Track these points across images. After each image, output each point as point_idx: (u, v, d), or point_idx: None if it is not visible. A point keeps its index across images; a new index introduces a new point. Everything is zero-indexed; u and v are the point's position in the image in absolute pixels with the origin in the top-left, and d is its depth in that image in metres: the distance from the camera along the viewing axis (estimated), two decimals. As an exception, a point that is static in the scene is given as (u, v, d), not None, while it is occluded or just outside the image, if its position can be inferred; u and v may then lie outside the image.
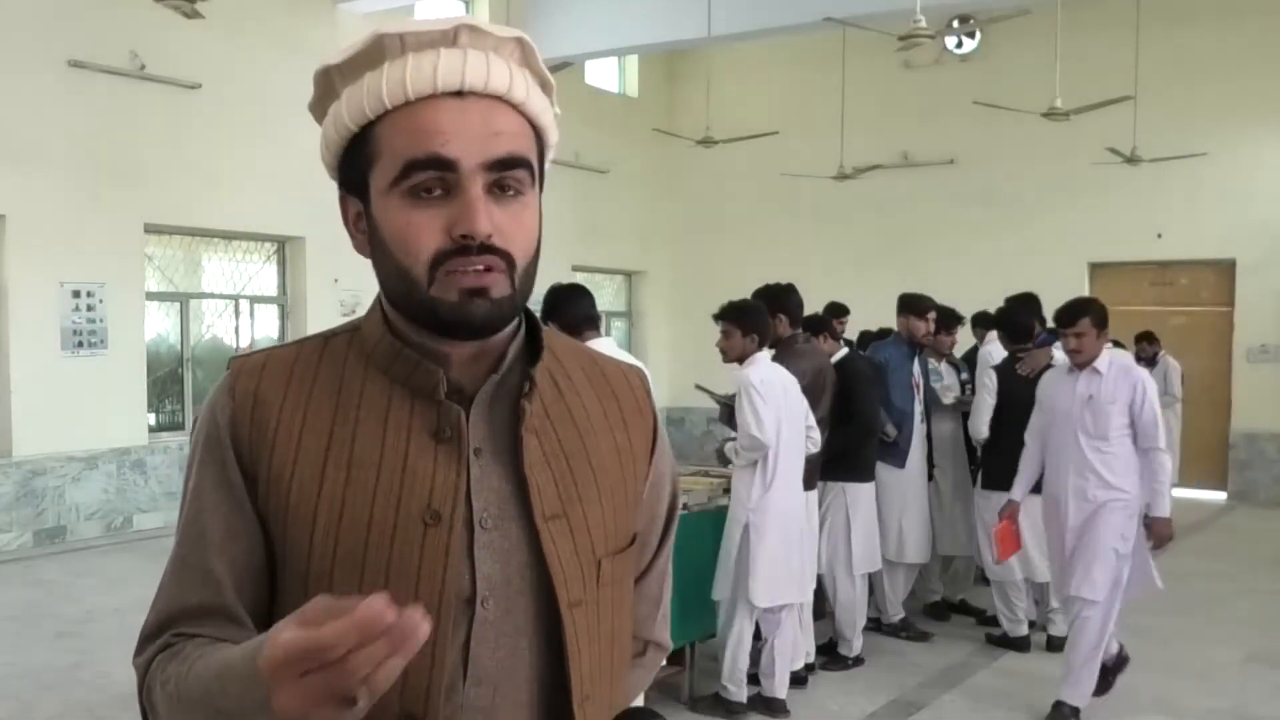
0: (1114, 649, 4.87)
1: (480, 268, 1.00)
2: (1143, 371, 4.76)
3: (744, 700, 4.72)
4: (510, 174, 1.02)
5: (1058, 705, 4.69)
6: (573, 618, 1.06)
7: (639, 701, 1.75)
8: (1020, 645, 5.77)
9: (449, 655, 1.03)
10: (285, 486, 1.05)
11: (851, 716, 4.85)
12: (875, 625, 5.93)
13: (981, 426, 5.76)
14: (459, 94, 1.01)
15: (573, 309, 3.99)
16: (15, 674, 5.26)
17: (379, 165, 1.03)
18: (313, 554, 1.04)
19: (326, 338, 1.14)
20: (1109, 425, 4.57)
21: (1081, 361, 4.64)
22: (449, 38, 1.02)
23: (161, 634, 1.07)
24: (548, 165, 1.11)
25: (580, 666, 1.07)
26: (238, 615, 1.06)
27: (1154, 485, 4.54)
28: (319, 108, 1.09)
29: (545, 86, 1.09)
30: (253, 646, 0.86)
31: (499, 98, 1.03)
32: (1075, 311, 4.66)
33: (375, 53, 1.02)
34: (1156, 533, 4.55)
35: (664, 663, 1.38)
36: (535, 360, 1.11)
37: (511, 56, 1.05)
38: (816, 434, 4.81)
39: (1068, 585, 4.69)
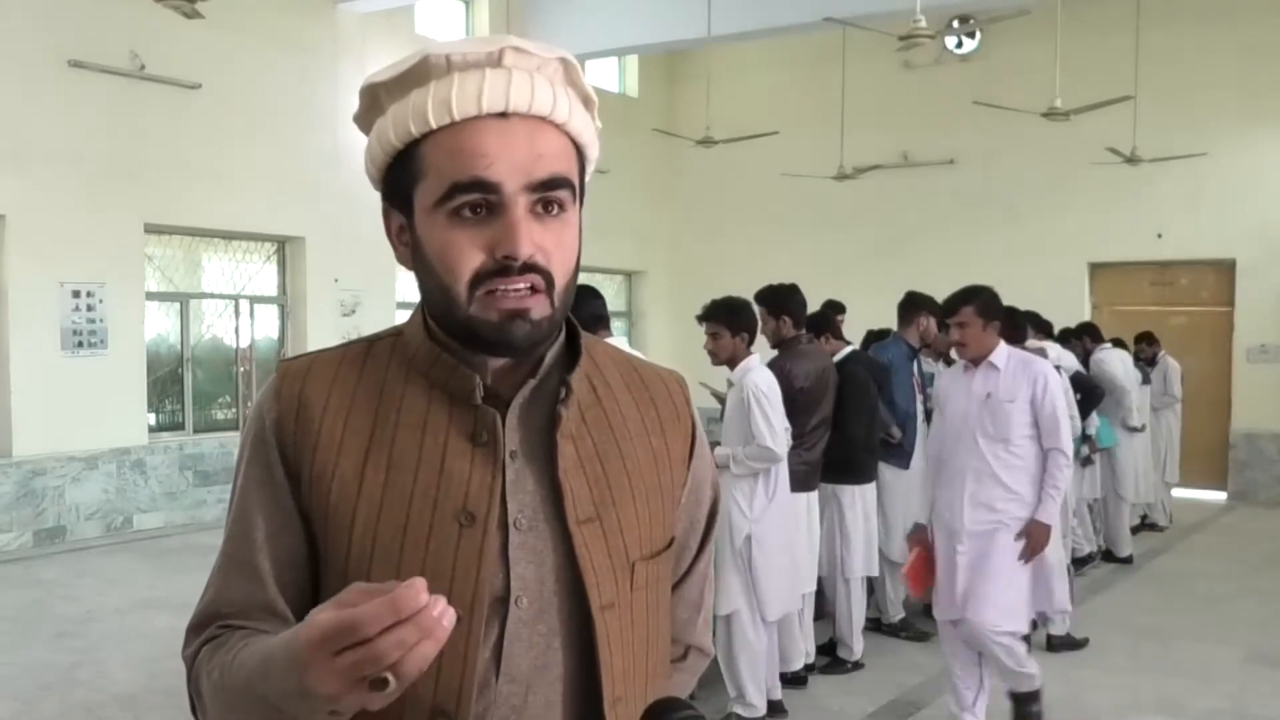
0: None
1: (521, 288, 1.03)
2: (1045, 364, 4.37)
3: (764, 711, 4.57)
4: (552, 194, 1.05)
5: (1014, 698, 4.44)
6: (604, 620, 1.08)
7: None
8: (1021, 645, 5.76)
9: (482, 653, 1.05)
10: (327, 486, 1.08)
11: (851, 716, 4.85)
12: (875, 625, 5.93)
13: None
14: (503, 115, 1.03)
15: (583, 309, 3.98)
16: (15, 674, 5.26)
17: (423, 184, 1.05)
18: (351, 552, 1.07)
19: (371, 341, 1.17)
20: (1010, 426, 4.17)
21: (969, 356, 4.28)
22: (494, 58, 1.04)
23: (207, 626, 1.11)
24: (588, 178, 1.14)
25: (612, 668, 1.09)
26: (280, 610, 1.10)
27: (1047, 486, 4.18)
28: (364, 121, 1.11)
29: (587, 103, 1.11)
30: (294, 631, 0.90)
31: (542, 118, 1.05)
32: (957, 300, 4.28)
33: (421, 72, 1.05)
34: (1033, 535, 4.17)
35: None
36: (573, 366, 1.13)
37: (555, 76, 1.08)
38: (787, 436, 4.65)
39: (965, 607, 4.23)
